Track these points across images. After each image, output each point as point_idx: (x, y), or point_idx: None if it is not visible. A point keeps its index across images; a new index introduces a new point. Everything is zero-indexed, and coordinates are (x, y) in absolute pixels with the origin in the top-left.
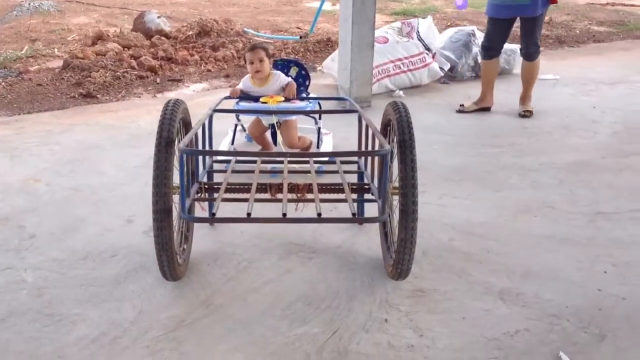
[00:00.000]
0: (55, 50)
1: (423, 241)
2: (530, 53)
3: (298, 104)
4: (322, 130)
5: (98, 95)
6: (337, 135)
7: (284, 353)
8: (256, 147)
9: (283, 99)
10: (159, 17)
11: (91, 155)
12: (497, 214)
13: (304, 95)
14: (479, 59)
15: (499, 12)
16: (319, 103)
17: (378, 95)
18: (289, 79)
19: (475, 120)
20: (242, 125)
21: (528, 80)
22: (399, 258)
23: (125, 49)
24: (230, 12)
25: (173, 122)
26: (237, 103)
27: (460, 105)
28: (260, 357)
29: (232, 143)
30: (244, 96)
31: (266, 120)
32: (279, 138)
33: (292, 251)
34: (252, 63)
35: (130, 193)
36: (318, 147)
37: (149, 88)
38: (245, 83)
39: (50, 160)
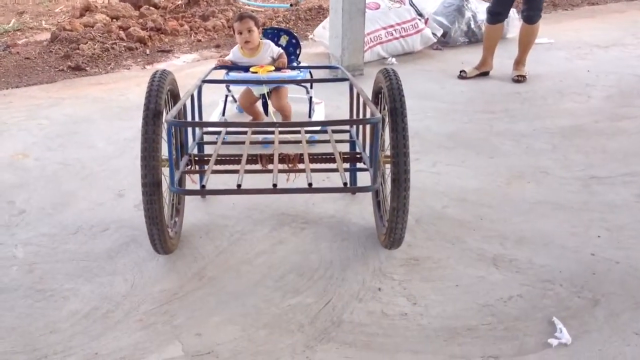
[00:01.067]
0: (43, 22)
1: (416, 209)
2: (531, 15)
3: (289, 73)
4: (313, 99)
5: (87, 68)
6: (329, 104)
7: (277, 324)
8: (248, 118)
9: (273, 68)
10: None
11: (80, 129)
12: (491, 181)
13: (294, 64)
14: (472, 24)
15: None
16: (310, 72)
17: (370, 63)
18: (280, 49)
19: (468, 86)
20: (232, 96)
21: (525, 43)
22: (392, 227)
23: (114, 20)
24: None
25: (160, 94)
26: (226, 73)
27: (462, 72)
28: (254, 328)
29: (223, 114)
30: (234, 66)
31: (257, 90)
32: (270, 108)
33: (284, 222)
34: (240, 33)
35: (121, 166)
36: (310, 116)
37: (139, 60)
38: (235, 54)
39: (39, 134)
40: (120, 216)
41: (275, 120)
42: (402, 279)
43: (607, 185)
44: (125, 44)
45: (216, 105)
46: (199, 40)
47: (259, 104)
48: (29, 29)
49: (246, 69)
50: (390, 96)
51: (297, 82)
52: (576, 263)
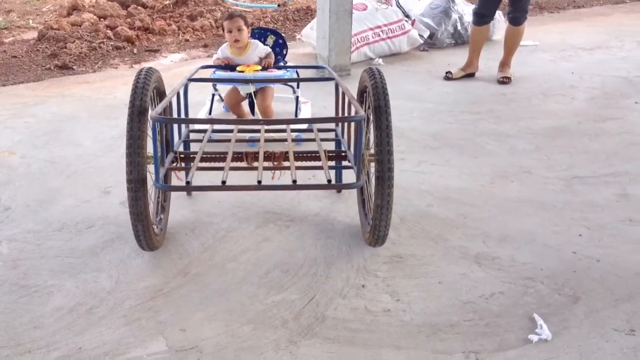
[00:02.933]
0: (30, 21)
1: (401, 208)
2: (517, 17)
3: (275, 73)
4: (300, 99)
5: (74, 67)
6: (315, 104)
7: (261, 320)
8: (234, 118)
9: (260, 67)
10: None
11: (67, 127)
12: (475, 180)
13: (281, 64)
14: (458, 26)
15: None
16: (296, 71)
17: (357, 64)
18: (268, 48)
19: (454, 87)
20: (219, 95)
21: (511, 45)
22: (376, 224)
23: (101, 19)
24: None
25: (146, 90)
26: (213, 72)
27: (448, 73)
28: (238, 324)
29: (210, 113)
30: (221, 66)
31: (243, 89)
32: (257, 107)
33: (269, 220)
34: (230, 32)
35: (107, 164)
36: (296, 115)
37: (126, 59)
38: (223, 51)
39: (25, 132)
40: (105, 213)
41: (259, 115)
42: (386, 276)
43: (589, 185)
44: (112, 43)
45: (203, 104)
46: (187, 40)
47: (245, 104)
48: (16, 27)
49: (233, 68)
50: (375, 94)
51: (284, 82)
52: (558, 261)
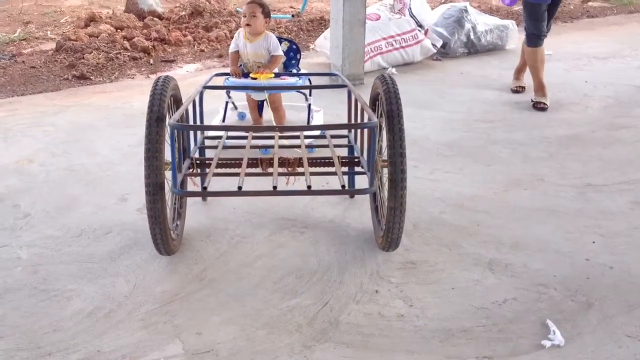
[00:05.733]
0: (48, 32)
1: (414, 214)
2: (526, 36)
3: (288, 80)
4: (312, 107)
5: (91, 77)
6: (329, 112)
7: (276, 324)
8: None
9: (273, 75)
10: None
11: (85, 136)
12: (488, 188)
13: (295, 70)
14: (471, 35)
15: None
16: (309, 79)
17: (371, 73)
18: (280, 49)
19: (468, 96)
20: (232, 103)
21: (528, 68)
22: (389, 227)
23: (118, 30)
24: None
25: (163, 98)
26: (226, 79)
27: (538, 104)
28: (253, 328)
29: (223, 121)
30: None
31: (256, 96)
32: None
33: (284, 226)
34: (245, 16)
35: (124, 172)
36: (308, 123)
37: (142, 69)
38: (239, 34)
39: (44, 141)
40: (122, 219)
41: (273, 122)
42: (399, 281)
43: (603, 193)
44: (129, 53)
45: (217, 112)
46: (202, 51)
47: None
48: (35, 38)
49: (246, 74)
50: (387, 99)
51: (296, 89)
52: (570, 268)
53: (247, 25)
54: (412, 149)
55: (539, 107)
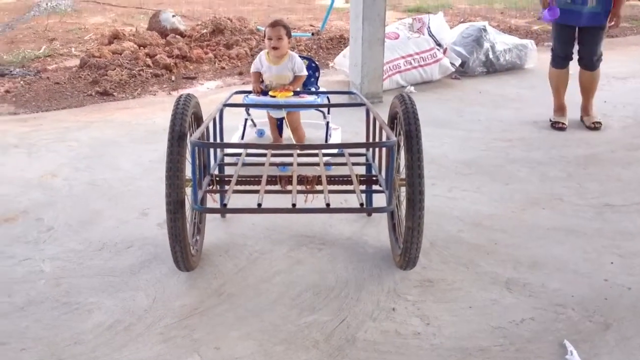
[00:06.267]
0: (73, 49)
1: (431, 233)
2: (593, 62)
3: (306, 99)
4: (330, 125)
5: (114, 93)
6: (347, 130)
7: (293, 340)
8: (267, 142)
9: (292, 93)
10: (174, 16)
11: (107, 151)
12: (506, 207)
13: (314, 88)
14: (490, 55)
15: (569, 19)
16: (327, 97)
17: (389, 91)
18: (304, 68)
19: (486, 115)
20: (252, 120)
21: (589, 89)
22: (407, 247)
23: (141, 47)
24: (245, 11)
25: (185, 116)
26: (246, 96)
27: (556, 123)
28: (271, 343)
29: (242, 138)
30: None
31: (275, 114)
32: (285, 130)
33: (302, 242)
34: (270, 39)
35: (145, 187)
36: (326, 142)
37: (164, 86)
38: (260, 57)
39: (68, 155)
40: (143, 234)
41: (292, 140)
42: (416, 299)
43: (622, 213)
44: (151, 70)
45: (236, 129)
46: (223, 68)
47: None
48: (59, 55)
49: (266, 92)
50: (406, 119)
51: (314, 107)
52: (589, 288)
53: (274, 48)
54: (430, 167)
55: (557, 126)
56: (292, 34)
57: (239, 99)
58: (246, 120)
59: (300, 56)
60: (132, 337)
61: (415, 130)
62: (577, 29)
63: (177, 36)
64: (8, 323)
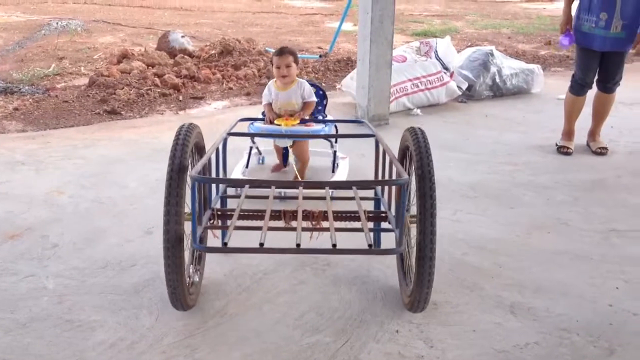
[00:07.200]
0: (82, 68)
1: (436, 255)
2: (611, 86)
3: (313, 128)
4: (338, 154)
5: (122, 112)
6: (353, 151)
7: None
8: (269, 170)
9: (297, 121)
10: (182, 36)
11: (114, 169)
12: (511, 230)
13: (321, 116)
14: (497, 79)
15: (592, 43)
16: (335, 126)
17: (396, 114)
18: (313, 94)
19: (491, 139)
20: (257, 148)
21: (602, 113)
22: (416, 292)
23: (150, 67)
24: (253, 32)
25: (186, 147)
26: (251, 124)
27: (562, 148)
28: None
29: (247, 166)
30: (259, 119)
31: (280, 142)
32: (290, 157)
33: (306, 263)
34: (278, 68)
35: (150, 205)
36: (333, 171)
37: (172, 105)
38: (269, 87)
39: (75, 173)
40: (148, 252)
41: (294, 167)
42: (420, 322)
43: (627, 239)
44: (159, 90)
45: (239, 151)
46: (230, 88)
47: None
48: (68, 73)
49: (271, 121)
50: (418, 159)
51: (322, 137)
52: (593, 313)
53: (283, 77)
54: None
55: (563, 151)
56: (300, 55)
57: (244, 125)
58: (251, 148)
59: (308, 83)
60: (134, 356)
61: (428, 173)
62: (600, 54)
63: (185, 56)
64: (10, 339)
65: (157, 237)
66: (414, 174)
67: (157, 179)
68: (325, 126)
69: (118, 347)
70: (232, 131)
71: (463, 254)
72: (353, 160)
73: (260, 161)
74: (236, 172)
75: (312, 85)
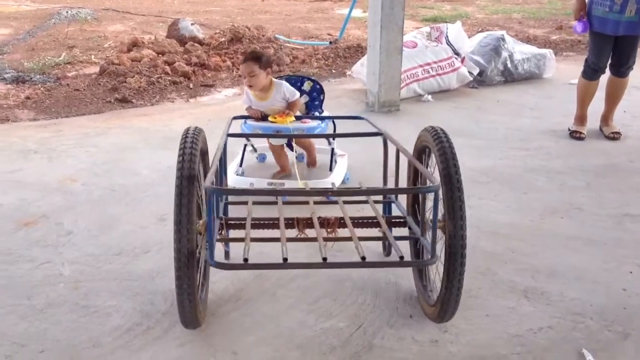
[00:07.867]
0: (92, 56)
1: None
2: (624, 70)
3: (310, 124)
4: (336, 151)
5: (133, 100)
6: (351, 149)
7: (310, 346)
8: (269, 168)
9: (293, 118)
10: (192, 24)
11: (126, 157)
12: (524, 216)
13: (318, 111)
14: (508, 64)
15: (605, 27)
16: (333, 121)
17: (406, 100)
18: (295, 91)
19: (504, 124)
20: (252, 146)
21: (615, 98)
22: (444, 304)
23: (160, 55)
24: (262, 20)
25: (194, 157)
26: (244, 122)
27: (574, 133)
28: (287, 349)
29: (241, 165)
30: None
31: (275, 141)
32: (292, 156)
33: (318, 250)
34: (244, 77)
35: (163, 193)
36: (330, 169)
37: (182, 93)
38: (248, 94)
39: (87, 161)
40: (161, 239)
41: (296, 157)
42: None
43: None
44: (170, 78)
45: (234, 150)
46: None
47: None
48: (79, 62)
49: (265, 117)
50: (444, 161)
51: (320, 137)
52: (607, 297)
53: (250, 86)
54: None
55: (575, 136)
56: (311, 42)
57: (238, 123)
58: (245, 145)
59: (304, 77)
60: (149, 341)
61: (455, 175)
62: (614, 39)
63: (195, 44)
64: (27, 325)
65: (170, 224)
66: (441, 184)
67: (168, 166)
68: (322, 123)
69: (134, 332)
70: (230, 132)
71: (476, 239)
72: (352, 159)
73: (260, 159)
74: (230, 171)
75: (309, 79)
